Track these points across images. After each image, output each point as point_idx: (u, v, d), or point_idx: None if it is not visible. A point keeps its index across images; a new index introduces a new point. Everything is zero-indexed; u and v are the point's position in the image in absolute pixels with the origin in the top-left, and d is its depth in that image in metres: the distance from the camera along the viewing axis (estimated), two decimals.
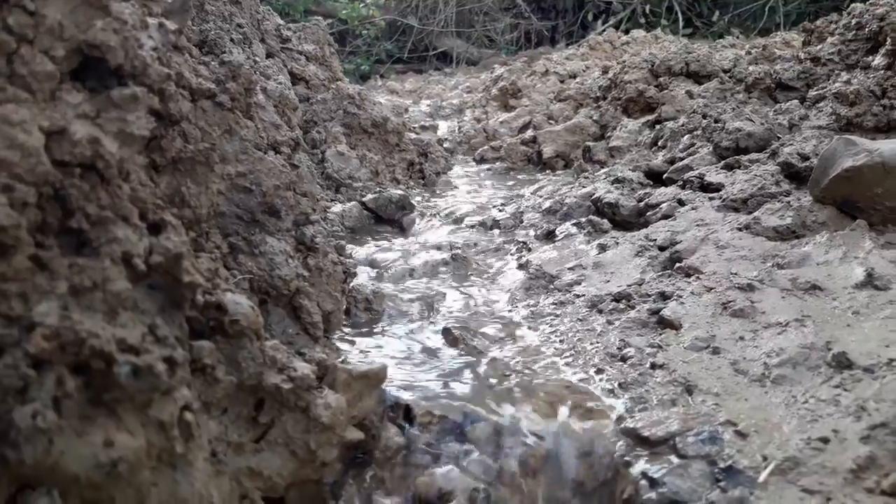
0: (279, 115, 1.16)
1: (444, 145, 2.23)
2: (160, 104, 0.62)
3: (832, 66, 1.78)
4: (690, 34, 9.47)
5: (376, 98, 1.78)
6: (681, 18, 9.33)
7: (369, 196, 1.58)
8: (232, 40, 1.44)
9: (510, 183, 1.92)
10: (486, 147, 2.18)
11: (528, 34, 9.84)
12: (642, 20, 9.48)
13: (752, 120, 1.54)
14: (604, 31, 9.42)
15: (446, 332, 1.09)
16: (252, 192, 0.89)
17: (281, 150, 1.11)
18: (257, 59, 1.49)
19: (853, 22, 1.79)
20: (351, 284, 1.13)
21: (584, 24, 9.72)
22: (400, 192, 1.63)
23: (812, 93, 1.68)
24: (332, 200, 1.57)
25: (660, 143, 1.81)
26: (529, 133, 2.15)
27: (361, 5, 9.17)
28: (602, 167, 1.88)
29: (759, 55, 1.96)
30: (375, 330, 1.10)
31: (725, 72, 1.97)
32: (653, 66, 2.05)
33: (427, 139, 1.99)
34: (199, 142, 0.73)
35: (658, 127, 1.87)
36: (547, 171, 2.03)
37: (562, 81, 2.70)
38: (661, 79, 2.00)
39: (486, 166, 2.09)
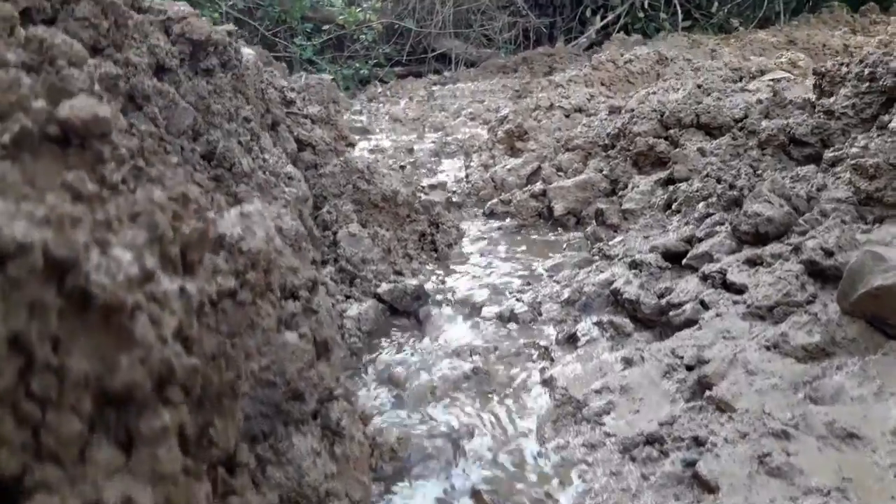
0: (295, 254, 1.14)
1: (453, 198, 2.20)
2: (192, 403, 0.60)
3: (846, 121, 1.74)
4: (690, 27, 9.39)
5: (382, 170, 1.74)
6: (679, 11, 9.24)
7: (384, 287, 1.56)
8: (240, 143, 1.41)
9: (523, 248, 1.88)
10: (495, 200, 2.14)
11: (525, 32, 9.76)
12: (641, 14, 9.40)
13: (770, 202, 1.50)
14: (604, 26, 9.35)
15: (477, 497, 1.07)
16: (276, 385, 0.87)
17: (299, 296, 1.09)
18: (266, 156, 1.46)
19: (866, 72, 1.74)
20: (373, 427, 1.11)
21: (582, 20, 9.64)
22: (415, 282, 1.60)
23: (828, 154, 1.64)
24: (346, 298, 1.55)
25: (674, 207, 1.77)
26: (539, 186, 2.12)
27: (358, 10, 9.10)
28: (615, 231, 1.85)
29: (771, 103, 1.92)
30: (402, 489, 1.07)
31: (737, 122, 1.93)
32: (662, 116, 2.02)
33: (437, 202, 1.96)
34: (223, 372, 0.70)
35: (671, 188, 1.83)
36: (559, 229, 2.00)
37: (567, 116, 2.66)
38: (671, 131, 1.96)
39: (497, 223, 2.06)
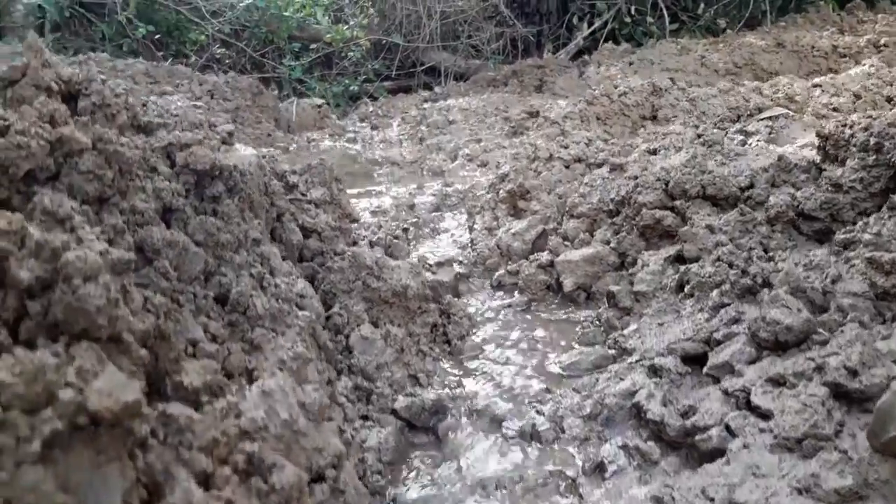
0: (318, 428, 1.12)
1: (460, 269, 2.18)
2: None
3: (855, 195, 1.73)
4: (677, 30, 9.38)
5: (390, 263, 1.71)
6: (666, 15, 9.23)
7: (401, 402, 1.53)
8: (252, 275, 1.38)
9: (537, 334, 1.86)
10: (502, 271, 2.13)
11: (513, 41, 9.75)
12: (627, 19, 9.39)
13: (787, 307, 1.49)
14: (591, 32, 9.33)
15: None
16: None
17: (325, 476, 1.06)
18: (277, 281, 1.44)
19: (872, 142, 1.72)
20: None
21: (570, 26, 9.63)
22: (432, 396, 1.58)
23: (840, 236, 1.62)
24: (364, 419, 1.52)
25: (686, 290, 1.76)
26: (546, 256, 2.11)
27: (346, 27, 9.07)
28: (628, 315, 1.83)
29: (777, 168, 1.90)
30: None
31: (743, 191, 1.92)
32: (667, 185, 2.00)
33: (445, 283, 1.94)
34: None
35: (682, 269, 1.82)
36: (570, 305, 1.98)
37: (567, 167, 2.64)
38: (677, 202, 1.95)
39: (507, 300, 2.04)
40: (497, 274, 2.11)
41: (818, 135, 1.92)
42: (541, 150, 2.71)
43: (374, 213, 2.60)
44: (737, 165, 1.98)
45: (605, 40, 9.35)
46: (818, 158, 1.89)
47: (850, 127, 1.85)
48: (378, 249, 2.25)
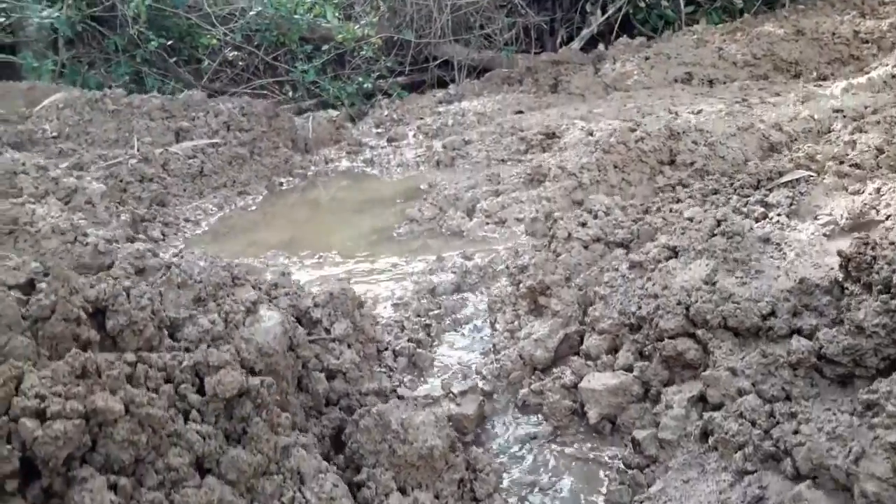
0: None
1: (481, 383, 2.19)
2: None
3: (878, 340, 1.69)
4: (693, 12, 9.13)
5: (416, 421, 1.70)
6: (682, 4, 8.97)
7: None
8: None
9: (564, 480, 1.85)
10: (526, 390, 2.14)
11: (526, 30, 9.56)
12: (642, 4, 9.16)
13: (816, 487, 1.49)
14: (605, 19, 9.11)
15: None
16: None
17: None
18: (309, 497, 1.44)
19: (895, 280, 1.68)
20: None
21: (583, 12, 9.42)
22: None
23: (863, 395, 1.60)
24: None
25: (710, 443, 1.76)
26: (569, 377, 2.11)
27: (356, 27, 8.95)
28: (654, 464, 1.83)
29: (798, 294, 1.87)
30: None
31: (765, 319, 1.90)
32: (688, 310, 1.98)
33: (470, 416, 1.94)
34: None
35: (706, 417, 1.81)
36: (595, 438, 1.99)
37: (586, 247, 2.63)
38: (699, 331, 1.94)
39: (532, 429, 2.04)
40: (521, 393, 2.12)
41: (839, 255, 1.89)
42: (559, 228, 2.69)
43: (395, 305, 2.60)
44: (758, 288, 1.95)
45: (620, 26, 9.16)
46: (841, 276, 1.86)
47: (873, 248, 1.82)
48: (402, 360, 2.27)
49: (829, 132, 3.82)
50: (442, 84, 9.45)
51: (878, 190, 2.55)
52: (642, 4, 8.98)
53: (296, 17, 8.74)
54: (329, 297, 2.05)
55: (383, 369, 2.16)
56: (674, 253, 2.28)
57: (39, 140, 4.94)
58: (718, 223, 2.41)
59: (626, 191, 3.53)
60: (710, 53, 7.22)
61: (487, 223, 3.38)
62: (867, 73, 5.90)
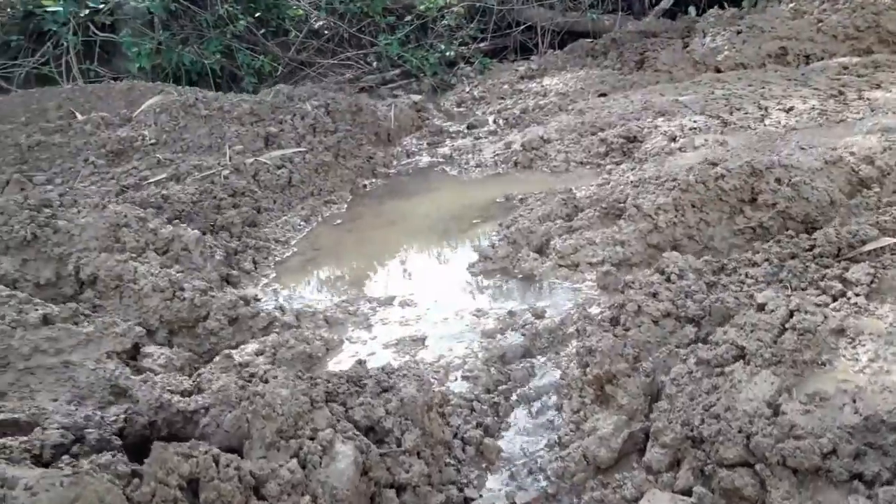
0: None
1: (545, 483, 2.26)
2: None
3: None
4: None
5: None
6: None
7: None
8: None
9: None
10: (588, 498, 2.19)
11: None
12: None
13: None
14: None
15: None
16: None
17: None
18: None
19: None
20: None
21: None
22: None
23: None
24: None
25: None
26: (630, 489, 2.14)
27: None
28: None
29: (862, 432, 1.81)
30: None
31: (825, 458, 1.86)
32: (748, 439, 1.97)
33: None
34: None
35: None
36: None
37: (655, 322, 2.62)
38: (758, 465, 1.92)
39: None
40: (583, 501, 2.17)
41: None
42: (629, 301, 2.69)
43: (466, 378, 2.69)
44: (821, 418, 1.92)
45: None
46: None
47: None
48: (469, 450, 2.37)
49: None
50: (525, 50, 9.24)
51: None
52: None
53: None
54: (400, 405, 2.15)
55: (452, 461, 2.27)
56: (742, 353, 2.26)
57: (140, 147, 5.19)
58: (791, 314, 2.36)
59: (703, 231, 3.44)
60: (808, 26, 6.73)
61: (561, 265, 3.38)
62: None
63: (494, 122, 6.62)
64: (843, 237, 2.81)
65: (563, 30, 9.06)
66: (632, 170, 4.49)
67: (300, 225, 4.47)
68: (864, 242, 2.78)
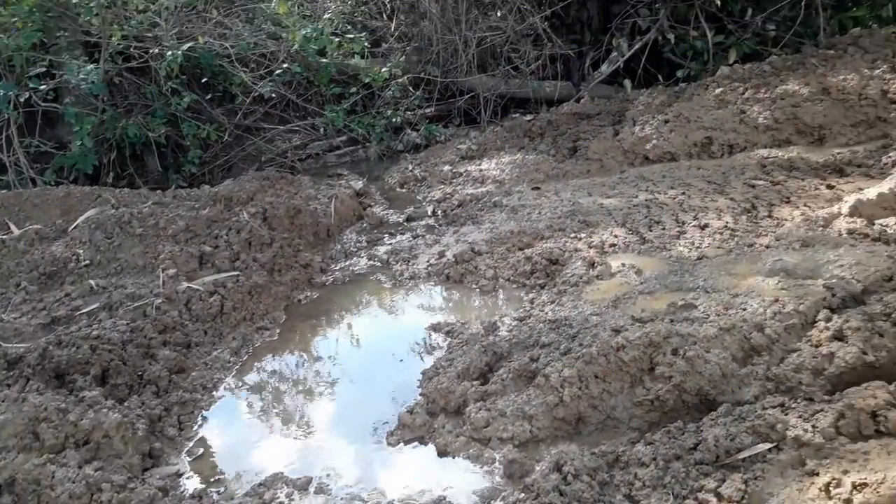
0: None
1: None
2: None
3: None
4: (722, 42, 8.70)
5: None
6: (706, 26, 8.55)
7: None
8: None
9: None
10: None
11: (553, 58, 9.29)
12: (671, 36, 8.77)
13: None
14: (631, 53, 8.76)
15: None
16: None
17: None
18: None
19: None
20: None
21: (609, 48, 9.08)
22: None
23: None
24: None
25: None
26: None
27: (384, 69, 8.84)
28: None
29: None
30: None
31: None
32: None
33: None
34: None
35: None
36: None
37: None
38: None
39: None
40: None
41: None
42: None
43: None
44: None
45: (647, 56, 8.82)
46: None
47: None
48: None
49: (814, 324, 3.79)
50: (470, 117, 9.35)
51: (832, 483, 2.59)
52: (670, 36, 8.60)
53: (324, 60, 8.66)
54: None
55: None
56: None
57: (73, 270, 5.19)
58: None
59: (606, 402, 3.60)
60: (732, 116, 6.97)
61: (473, 440, 3.51)
62: (884, 171, 5.66)
63: (433, 213, 6.73)
64: (722, 445, 2.98)
65: (506, 97, 9.20)
66: (551, 303, 4.65)
67: (229, 362, 4.52)
68: (739, 450, 2.96)
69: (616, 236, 5.33)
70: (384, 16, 9.72)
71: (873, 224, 4.78)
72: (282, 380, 4.36)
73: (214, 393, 4.26)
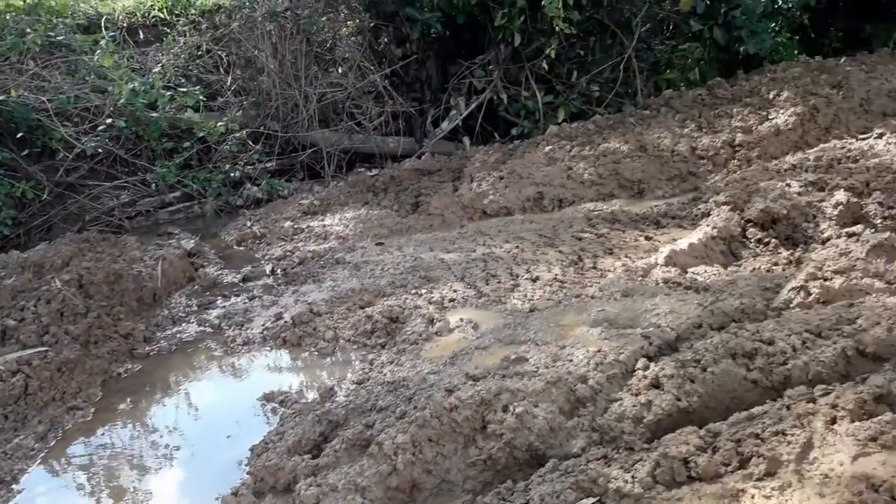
0: None
1: None
2: None
3: None
4: (551, 101, 9.20)
5: None
6: (536, 87, 9.03)
7: None
8: None
9: None
10: None
11: (395, 115, 9.42)
12: (504, 96, 9.17)
13: None
14: (468, 112, 9.08)
15: None
16: None
17: None
18: None
19: None
20: None
21: (447, 107, 9.35)
22: None
23: None
24: None
25: None
26: None
27: (220, 123, 8.55)
28: None
29: None
30: None
31: None
32: None
33: None
34: None
35: None
36: None
37: None
38: None
39: None
40: None
41: None
42: None
43: None
44: None
45: (484, 114, 9.16)
46: None
47: None
48: None
49: (633, 373, 3.94)
50: (314, 171, 9.22)
51: None
52: (503, 96, 9.00)
53: (154, 114, 8.24)
54: None
55: None
56: None
57: None
58: None
59: (441, 465, 3.53)
60: (560, 172, 7.33)
61: None
62: (695, 221, 6.14)
63: (272, 271, 6.49)
64: (548, 503, 2.99)
65: (349, 152, 9.18)
66: (391, 363, 4.57)
67: (33, 449, 4.04)
68: None
69: (455, 291, 5.37)
70: (221, 69, 9.45)
71: (686, 273, 5.13)
72: (93, 466, 3.94)
73: (14, 486, 3.77)
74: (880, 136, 6.75)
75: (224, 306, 5.85)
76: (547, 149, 7.52)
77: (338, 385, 4.42)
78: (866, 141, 6.74)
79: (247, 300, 5.92)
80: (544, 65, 8.77)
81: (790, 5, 9.29)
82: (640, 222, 6.32)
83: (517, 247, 6.01)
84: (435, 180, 7.74)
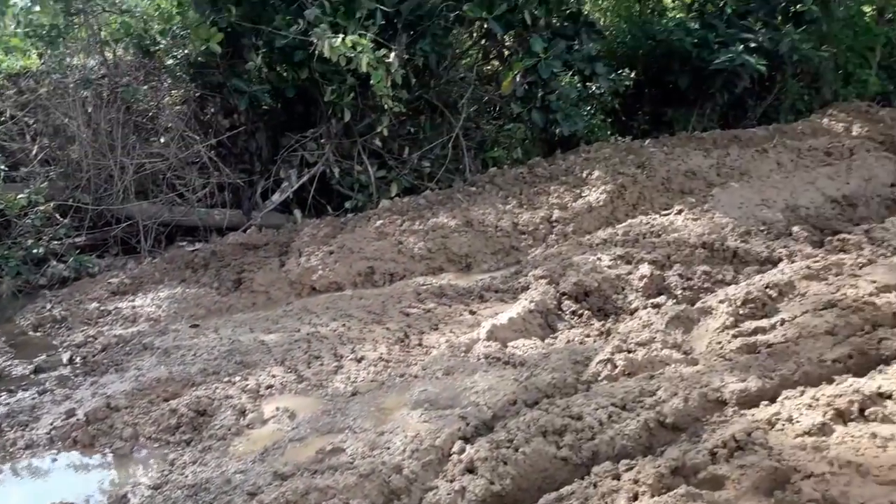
0: None
1: None
2: None
3: None
4: (385, 175, 9.24)
5: None
6: (371, 169, 9.04)
7: None
8: None
9: None
10: None
11: (221, 187, 9.01)
12: (336, 169, 9.10)
13: None
14: (300, 184, 8.89)
15: None
16: None
17: None
18: None
19: None
20: None
21: (278, 180, 9.12)
22: None
23: None
24: None
25: None
26: None
27: (21, 195, 7.74)
28: None
29: None
30: None
31: None
32: None
33: None
34: None
35: None
36: None
37: None
38: None
39: None
40: None
41: None
42: None
43: None
44: None
45: (317, 187, 9.01)
46: None
47: None
48: None
49: (449, 458, 3.83)
50: (129, 246, 8.55)
51: None
52: (336, 170, 8.93)
53: None
54: None
55: None
56: None
57: None
58: None
59: None
60: (391, 247, 7.28)
61: None
62: (516, 295, 6.27)
63: (70, 360, 5.83)
64: None
65: (170, 225, 8.63)
66: (193, 462, 4.17)
67: None
68: None
69: (274, 376, 5.07)
70: (27, 137, 8.66)
71: (506, 347, 5.18)
72: None
73: None
74: (679, 212, 7.35)
75: (7, 403, 5.14)
76: (378, 223, 7.48)
77: (132, 491, 3.94)
78: (667, 217, 7.30)
79: (36, 395, 5.23)
80: (377, 141, 8.82)
81: (602, 91, 10.04)
82: (466, 296, 6.37)
83: (344, 325, 5.82)
84: (260, 255, 7.41)
